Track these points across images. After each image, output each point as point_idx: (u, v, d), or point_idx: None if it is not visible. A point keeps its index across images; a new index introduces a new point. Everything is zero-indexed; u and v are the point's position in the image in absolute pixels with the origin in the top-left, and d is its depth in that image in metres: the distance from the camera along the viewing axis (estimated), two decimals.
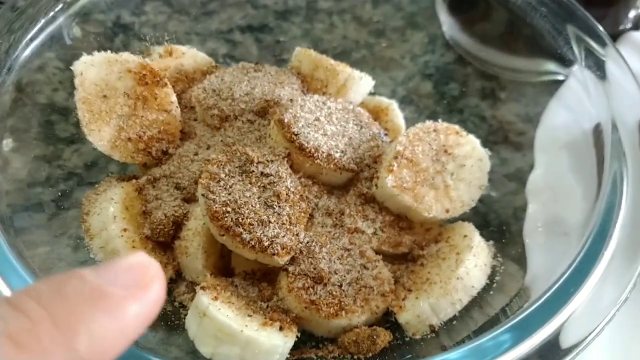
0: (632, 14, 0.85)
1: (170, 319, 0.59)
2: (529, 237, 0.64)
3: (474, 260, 0.58)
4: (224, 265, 0.64)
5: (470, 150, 0.65)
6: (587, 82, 0.66)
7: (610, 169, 0.58)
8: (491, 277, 0.60)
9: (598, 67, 0.67)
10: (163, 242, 0.63)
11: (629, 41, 0.83)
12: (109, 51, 0.65)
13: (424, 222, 0.65)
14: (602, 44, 0.68)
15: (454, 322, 0.58)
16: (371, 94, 0.78)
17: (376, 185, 0.64)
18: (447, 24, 0.85)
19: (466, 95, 0.80)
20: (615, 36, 0.83)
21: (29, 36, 0.66)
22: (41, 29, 0.67)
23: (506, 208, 0.69)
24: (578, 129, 0.67)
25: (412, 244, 0.65)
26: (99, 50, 0.65)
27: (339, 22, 0.85)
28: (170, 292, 0.62)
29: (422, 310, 0.57)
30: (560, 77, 0.71)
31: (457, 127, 0.66)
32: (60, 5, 0.69)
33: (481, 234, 0.62)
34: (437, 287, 0.57)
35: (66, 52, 0.70)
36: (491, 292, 0.59)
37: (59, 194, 0.66)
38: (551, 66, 0.72)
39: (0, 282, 0.48)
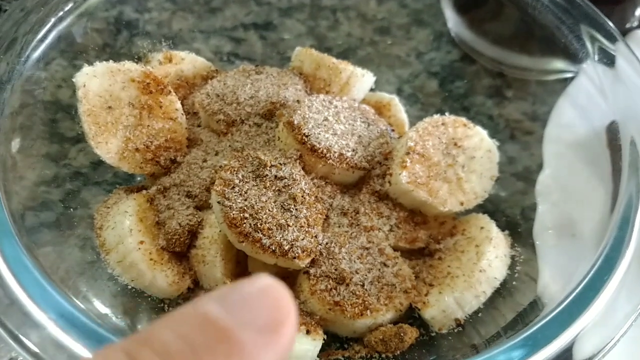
0: (638, 12, 0.83)
1: None
2: (539, 239, 0.63)
3: (494, 252, 0.59)
4: (240, 271, 0.63)
5: (478, 142, 0.66)
6: (599, 79, 0.65)
7: (628, 173, 0.56)
8: (511, 267, 0.60)
9: (610, 64, 0.66)
10: (178, 252, 0.62)
11: (635, 39, 0.82)
12: (110, 61, 0.63)
13: (438, 216, 0.65)
14: (613, 39, 0.67)
15: (479, 315, 0.58)
16: (371, 90, 0.77)
17: (389, 182, 0.63)
18: (453, 21, 0.84)
19: (472, 93, 0.80)
20: (622, 34, 0.82)
21: (39, 37, 0.64)
22: (49, 30, 0.65)
23: (514, 208, 0.68)
24: (589, 127, 0.65)
25: (428, 239, 0.65)
26: (103, 48, 0.63)
27: (343, 19, 0.84)
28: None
29: (447, 304, 0.57)
30: (568, 75, 0.70)
31: (464, 119, 0.67)
32: (70, 5, 0.68)
33: None
34: (461, 281, 0.57)
35: (71, 50, 0.69)
36: (514, 283, 0.59)
37: (67, 193, 0.65)
38: (559, 64, 0.72)
39: (15, 283, 0.47)
